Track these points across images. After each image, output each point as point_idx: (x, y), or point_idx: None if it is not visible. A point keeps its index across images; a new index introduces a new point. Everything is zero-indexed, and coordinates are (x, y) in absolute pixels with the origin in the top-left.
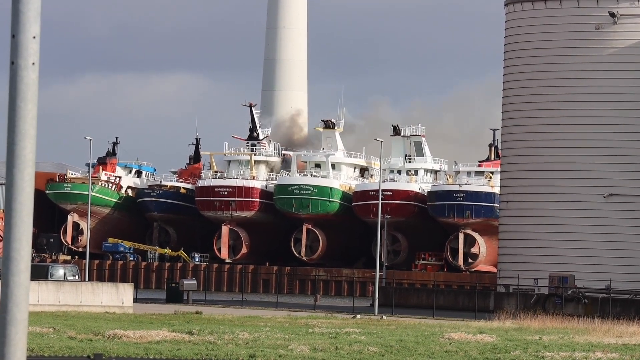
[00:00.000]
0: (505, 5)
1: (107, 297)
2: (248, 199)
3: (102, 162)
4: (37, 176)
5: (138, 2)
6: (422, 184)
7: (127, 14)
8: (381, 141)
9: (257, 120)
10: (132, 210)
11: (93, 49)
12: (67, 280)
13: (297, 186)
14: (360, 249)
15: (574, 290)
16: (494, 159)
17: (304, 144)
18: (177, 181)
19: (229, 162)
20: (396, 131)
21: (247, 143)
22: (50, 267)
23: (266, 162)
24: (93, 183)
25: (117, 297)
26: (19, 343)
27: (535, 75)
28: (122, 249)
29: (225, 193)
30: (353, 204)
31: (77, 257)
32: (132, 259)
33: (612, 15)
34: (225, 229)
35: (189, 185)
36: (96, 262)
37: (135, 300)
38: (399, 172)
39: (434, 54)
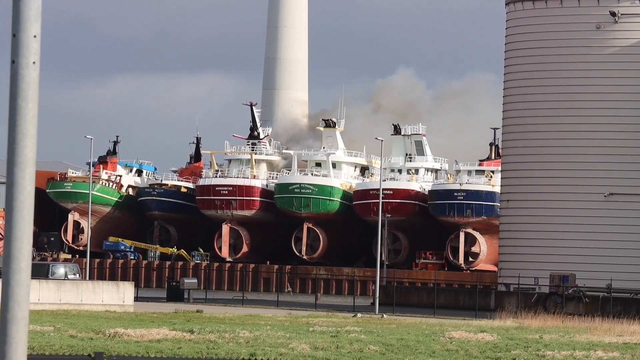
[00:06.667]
0: (506, 4)
1: (107, 295)
2: (249, 198)
3: (102, 161)
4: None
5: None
6: (422, 183)
7: (127, 15)
8: (382, 140)
9: (257, 119)
10: (132, 209)
11: (95, 51)
12: (68, 279)
13: (298, 185)
14: (360, 248)
15: (574, 289)
16: (495, 158)
17: (304, 139)
18: (178, 180)
19: (230, 161)
20: (397, 130)
21: (248, 142)
22: (51, 265)
23: (267, 161)
24: (94, 182)
25: (118, 295)
26: (19, 341)
27: (536, 74)
28: (122, 247)
29: (226, 192)
30: (354, 203)
31: (77, 255)
32: (132, 257)
33: (613, 14)
34: (225, 228)
35: (189, 184)
36: (97, 260)
37: (136, 299)
38: (400, 171)
39: (435, 53)
